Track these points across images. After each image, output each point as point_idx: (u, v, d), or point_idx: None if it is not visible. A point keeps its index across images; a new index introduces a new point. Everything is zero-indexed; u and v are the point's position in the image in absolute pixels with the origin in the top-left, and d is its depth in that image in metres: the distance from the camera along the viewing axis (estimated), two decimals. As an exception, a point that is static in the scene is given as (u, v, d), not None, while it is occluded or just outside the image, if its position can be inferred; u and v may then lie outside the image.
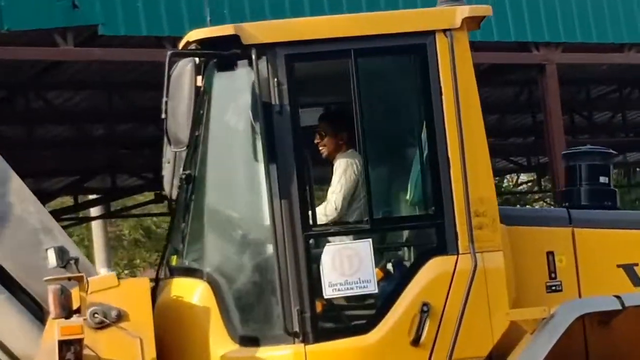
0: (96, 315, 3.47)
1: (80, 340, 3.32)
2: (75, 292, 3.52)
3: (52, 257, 3.79)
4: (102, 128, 11.97)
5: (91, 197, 18.65)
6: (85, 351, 3.35)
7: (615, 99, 14.62)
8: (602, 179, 5.01)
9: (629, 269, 4.44)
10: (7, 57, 7.65)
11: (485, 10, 4.14)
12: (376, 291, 3.83)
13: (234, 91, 4.04)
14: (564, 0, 11.10)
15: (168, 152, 4.05)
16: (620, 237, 4.53)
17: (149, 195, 16.93)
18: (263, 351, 3.71)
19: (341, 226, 4.16)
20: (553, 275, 4.29)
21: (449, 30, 3.87)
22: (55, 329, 3.35)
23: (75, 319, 3.42)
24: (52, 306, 3.50)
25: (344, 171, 4.17)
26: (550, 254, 4.27)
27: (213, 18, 6.36)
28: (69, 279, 3.61)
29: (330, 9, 9.19)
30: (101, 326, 3.50)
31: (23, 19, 7.08)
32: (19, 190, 4.17)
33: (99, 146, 12.72)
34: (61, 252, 3.81)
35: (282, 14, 8.76)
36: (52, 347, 3.35)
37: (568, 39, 11.13)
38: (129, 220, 25.42)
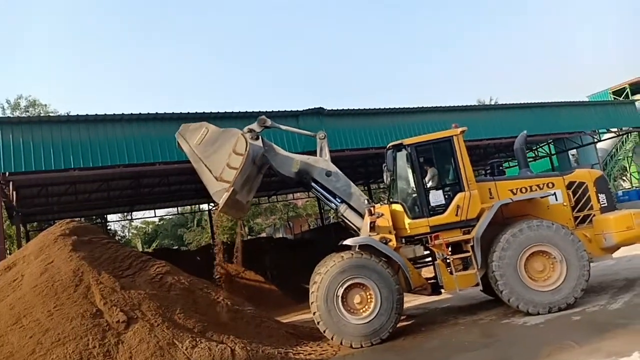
0: (373, 213, 8.38)
1: (375, 222, 8.32)
2: (372, 210, 8.45)
3: (365, 201, 9.02)
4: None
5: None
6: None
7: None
8: (500, 169, 10.11)
9: (511, 191, 8.67)
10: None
11: (465, 129, 8.74)
12: (444, 202, 8.48)
13: (402, 157, 8.83)
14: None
15: (385, 175, 8.87)
16: (506, 183, 8.84)
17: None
18: (413, 222, 8.50)
19: (434, 188, 8.60)
20: (491, 196, 8.64)
21: (458, 135, 8.65)
22: (369, 219, 8.34)
23: (373, 217, 8.34)
24: (367, 213, 8.47)
25: (433, 172, 8.75)
26: (490, 188, 8.72)
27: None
28: (371, 205, 8.68)
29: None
30: (376, 218, 8.37)
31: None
32: (346, 179, 9.26)
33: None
34: (367, 201, 9.03)
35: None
36: (367, 225, 8.35)
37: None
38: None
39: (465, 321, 8.54)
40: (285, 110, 15.78)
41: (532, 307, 7.78)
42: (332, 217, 38.18)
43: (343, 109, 16.92)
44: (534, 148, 27.55)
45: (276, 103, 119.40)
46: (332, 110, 16.61)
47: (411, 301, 11.41)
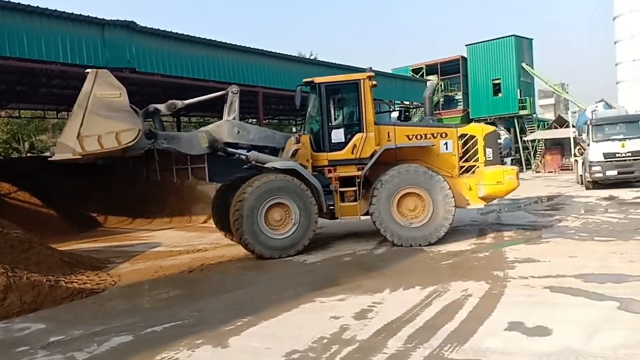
0: (299, 141, 9.09)
1: (297, 150, 9.05)
2: (299, 138, 9.17)
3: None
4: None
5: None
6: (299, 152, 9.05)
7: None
8: (407, 114, 12.77)
9: (409, 137, 9.31)
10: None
11: (372, 74, 9.29)
12: (344, 140, 9.17)
13: (312, 95, 9.50)
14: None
15: (299, 99, 9.22)
16: (403, 129, 9.47)
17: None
18: (315, 155, 9.20)
19: (337, 127, 9.28)
20: (390, 139, 9.22)
21: (364, 79, 9.16)
22: (295, 146, 9.08)
23: (299, 145, 9.08)
24: (294, 140, 9.22)
25: (337, 112, 9.46)
26: (389, 132, 9.30)
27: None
28: (298, 134, 9.54)
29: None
30: (301, 146, 9.09)
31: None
32: (254, 127, 9.74)
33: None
34: (293, 137, 9.37)
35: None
36: (290, 151, 9.09)
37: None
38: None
39: (254, 257, 8.84)
40: (87, 16, 13.86)
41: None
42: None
43: (158, 29, 15.75)
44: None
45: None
46: (146, 27, 15.30)
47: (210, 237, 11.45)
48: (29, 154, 33.06)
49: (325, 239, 10.34)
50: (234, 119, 9.23)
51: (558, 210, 12.95)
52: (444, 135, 9.46)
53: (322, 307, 5.57)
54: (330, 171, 9.18)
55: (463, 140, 9.51)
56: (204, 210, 16.05)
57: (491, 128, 10.01)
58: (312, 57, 38.12)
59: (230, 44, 17.70)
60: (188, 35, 16.44)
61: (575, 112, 29.12)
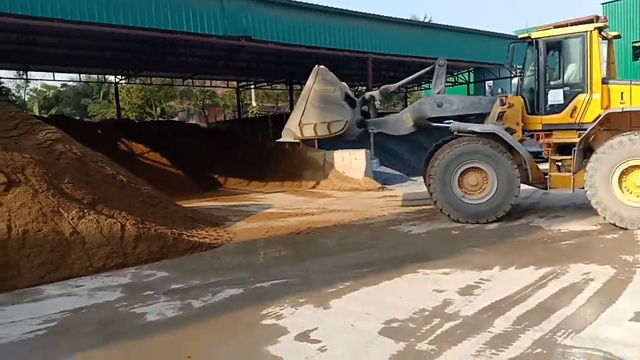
0: (505, 103, 8.47)
1: (504, 112, 8.51)
2: (504, 99, 8.52)
3: (492, 102, 8.90)
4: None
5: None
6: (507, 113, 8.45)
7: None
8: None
9: None
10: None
11: (602, 24, 8.05)
12: (562, 102, 8.15)
13: (529, 52, 8.62)
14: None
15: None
16: None
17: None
18: (528, 118, 8.52)
19: (556, 87, 8.30)
20: (623, 101, 7.91)
21: (593, 30, 7.92)
22: (499, 108, 8.48)
23: (504, 107, 8.46)
24: (499, 102, 8.60)
25: (558, 69, 8.52)
26: (623, 92, 8.00)
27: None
28: (503, 95, 8.83)
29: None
30: (506, 109, 8.46)
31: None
32: (457, 97, 9.72)
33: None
34: (498, 99, 8.74)
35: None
36: (495, 114, 8.53)
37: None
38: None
39: (359, 224, 9.08)
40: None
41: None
42: (250, 111, 37.43)
43: (274, -4, 15.91)
44: (455, 74, 28.26)
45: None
46: (262, -6, 15.59)
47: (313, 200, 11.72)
48: (160, 118, 36.18)
49: (431, 210, 9.89)
50: (438, 92, 9.22)
51: None
52: None
53: (426, 279, 5.44)
54: (539, 137, 8.47)
55: None
56: (312, 176, 16.53)
57: None
58: (426, 20, 36.60)
59: (343, 9, 17.44)
60: (301, 2, 16.46)
61: None
